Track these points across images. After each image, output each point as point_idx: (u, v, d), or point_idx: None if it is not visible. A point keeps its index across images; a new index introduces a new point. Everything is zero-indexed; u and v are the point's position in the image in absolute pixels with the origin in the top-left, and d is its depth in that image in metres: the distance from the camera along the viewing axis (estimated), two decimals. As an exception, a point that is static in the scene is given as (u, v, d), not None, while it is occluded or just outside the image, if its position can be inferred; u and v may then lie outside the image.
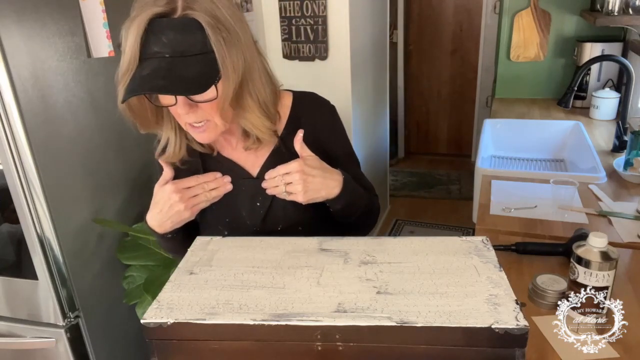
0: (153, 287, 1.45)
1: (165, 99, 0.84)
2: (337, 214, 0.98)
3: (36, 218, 1.39)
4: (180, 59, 0.76)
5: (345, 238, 0.85)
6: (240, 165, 0.99)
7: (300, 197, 0.89)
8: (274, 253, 0.81)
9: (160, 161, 0.96)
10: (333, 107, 1.03)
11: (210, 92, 0.80)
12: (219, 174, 0.95)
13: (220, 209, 0.99)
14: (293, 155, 0.92)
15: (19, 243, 1.44)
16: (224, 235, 0.96)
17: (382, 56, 3.10)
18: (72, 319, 1.52)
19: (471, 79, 4.18)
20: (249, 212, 0.99)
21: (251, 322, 0.64)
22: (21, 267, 1.49)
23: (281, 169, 0.89)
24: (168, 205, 0.92)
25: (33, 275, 1.45)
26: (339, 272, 0.74)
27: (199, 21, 0.76)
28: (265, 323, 0.63)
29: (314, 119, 0.99)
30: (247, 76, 0.84)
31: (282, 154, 0.96)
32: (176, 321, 0.65)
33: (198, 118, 0.84)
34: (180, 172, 0.96)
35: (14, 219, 1.40)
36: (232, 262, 0.79)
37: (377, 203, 1.08)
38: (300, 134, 0.92)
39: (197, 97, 0.81)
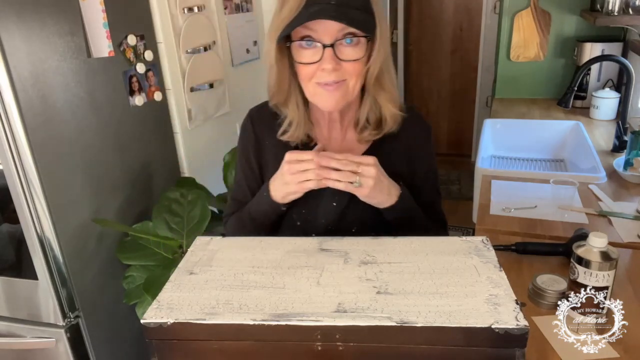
0: (153, 287, 1.45)
1: (309, 55, 0.85)
2: (392, 223, 0.98)
3: (36, 218, 1.39)
4: (346, 7, 0.81)
5: (346, 238, 0.85)
6: None
7: (366, 191, 0.87)
8: (274, 253, 0.81)
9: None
10: (430, 128, 1.05)
11: (361, 48, 0.85)
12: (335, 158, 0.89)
13: (301, 199, 0.97)
14: (382, 163, 0.91)
15: (19, 243, 1.44)
16: (296, 226, 0.98)
17: (382, 56, 3.10)
18: (72, 319, 1.52)
19: (471, 79, 4.17)
20: (324, 211, 0.98)
21: (251, 322, 0.64)
22: (21, 267, 1.49)
23: (355, 157, 0.87)
24: (280, 173, 0.91)
25: (33, 275, 1.45)
26: (339, 272, 0.74)
27: None
28: (265, 323, 0.63)
29: (411, 134, 1.00)
30: (387, 57, 0.90)
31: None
32: (176, 321, 0.65)
33: (338, 76, 0.86)
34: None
35: (14, 219, 1.40)
36: (232, 262, 0.79)
37: (434, 231, 1.05)
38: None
39: (345, 55, 0.85)
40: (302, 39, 0.85)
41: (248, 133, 1.03)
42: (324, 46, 0.83)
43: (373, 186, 0.87)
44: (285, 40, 0.87)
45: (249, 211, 1.01)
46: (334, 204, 0.98)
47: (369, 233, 0.95)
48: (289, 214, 0.99)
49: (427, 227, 1.01)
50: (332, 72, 0.85)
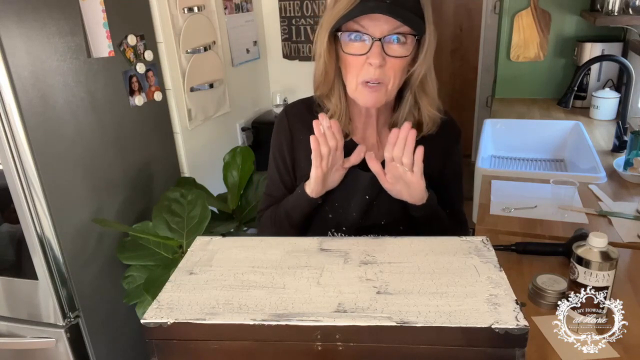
0: (153, 287, 1.45)
1: (357, 48, 0.88)
2: (418, 220, 1.00)
3: (36, 218, 1.39)
4: (399, 6, 0.84)
5: (345, 238, 0.85)
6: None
7: (389, 186, 0.94)
8: (274, 253, 0.81)
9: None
10: (461, 132, 1.09)
11: (408, 48, 0.88)
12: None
13: (334, 192, 1.00)
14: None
15: (19, 243, 1.44)
16: (328, 218, 1.01)
17: (382, 56, 3.10)
18: (72, 319, 1.53)
19: (471, 79, 4.17)
20: (357, 204, 1.01)
21: (251, 322, 0.64)
22: (21, 267, 1.49)
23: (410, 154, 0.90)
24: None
25: (33, 275, 1.45)
26: (339, 272, 0.74)
27: None
28: (265, 323, 0.63)
29: (445, 138, 1.03)
30: (431, 63, 0.92)
31: None
32: (176, 321, 0.65)
33: (381, 74, 0.88)
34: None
35: (14, 219, 1.40)
36: (232, 262, 0.79)
37: (456, 231, 1.07)
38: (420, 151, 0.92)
39: (392, 51, 0.87)
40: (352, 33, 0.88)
41: (283, 128, 1.05)
42: (373, 39, 0.86)
43: (417, 177, 0.90)
44: (335, 33, 0.90)
45: (285, 207, 1.03)
46: (367, 196, 1.00)
47: (397, 226, 1.01)
48: (322, 207, 1.02)
49: (450, 228, 1.03)
50: (377, 69, 0.87)
